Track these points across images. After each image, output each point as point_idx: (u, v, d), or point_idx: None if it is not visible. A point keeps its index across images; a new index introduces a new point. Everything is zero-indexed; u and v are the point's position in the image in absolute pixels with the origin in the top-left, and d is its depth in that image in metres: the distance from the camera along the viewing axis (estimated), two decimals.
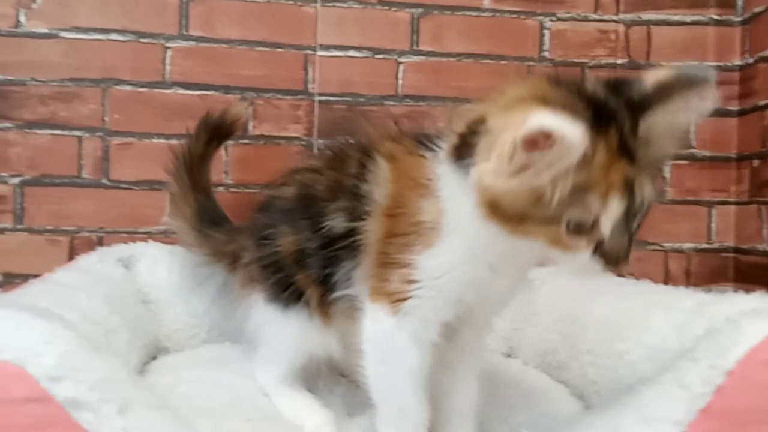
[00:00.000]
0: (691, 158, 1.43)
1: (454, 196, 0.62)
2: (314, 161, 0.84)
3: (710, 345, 0.59)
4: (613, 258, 0.57)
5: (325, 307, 0.77)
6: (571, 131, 0.50)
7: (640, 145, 0.55)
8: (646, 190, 0.56)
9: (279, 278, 0.79)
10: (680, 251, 1.44)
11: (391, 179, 0.67)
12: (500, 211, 0.56)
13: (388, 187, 0.67)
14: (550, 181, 0.52)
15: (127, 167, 1.27)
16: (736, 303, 0.71)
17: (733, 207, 1.44)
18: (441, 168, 0.63)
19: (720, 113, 1.44)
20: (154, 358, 1.01)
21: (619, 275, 1.12)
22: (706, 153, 1.44)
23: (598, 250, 0.57)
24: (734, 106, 1.43)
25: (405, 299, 0.64)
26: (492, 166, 0.53)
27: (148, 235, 1.25)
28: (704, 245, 1.44)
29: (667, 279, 1.42)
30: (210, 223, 1.02)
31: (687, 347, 0.64)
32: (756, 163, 1.37)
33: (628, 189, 0.54)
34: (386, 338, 0.66)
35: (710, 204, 1.44)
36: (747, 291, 0.76)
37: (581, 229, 0.55)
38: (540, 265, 0.69)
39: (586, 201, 0.54)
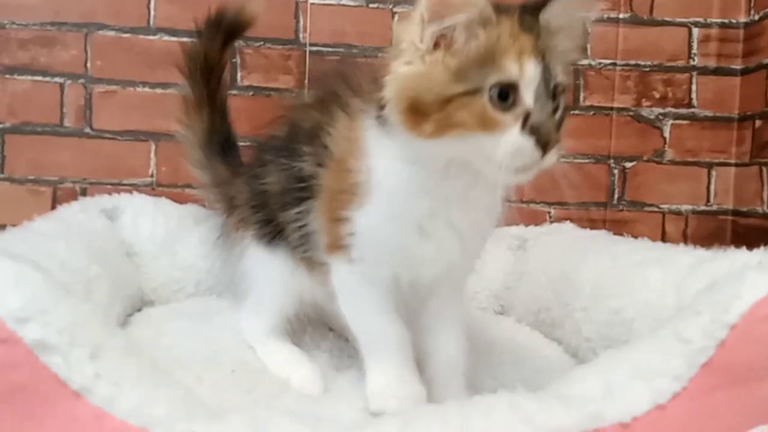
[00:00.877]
0: (692, 118, 1.40)
1: (378, 154, 0.63)
2: (305, 99, 0.83)
3: (712, 299, 0.57)
4: (543, 133, 0.56)
5: (306, 255, 0.75)
6: None
7: (542, 29, 0.57)
8: (558, 67, 0.58)
9: (266, 216, 0.78)
10: (678, 213, 1.41)
11: (343, 137, 0.67)
12: (422, 107, 0.56)
13: (340, 144, 0.67)
14: (462, 41, 0.55)
15: (111, 116, 1.23)
16: (737, 259, 0.69)
17: (733, 168, 1.41)
18: (369, 128, 0.64)
19: (722, 72, 1.40)
20: (139, 310, 0.99)
21: (616, 234, 1.10)
22: (708, 113, 1.40)
23: (527, 126, 0.56)
24: (737, 65, 1.40)
25: (351, 250, 0.67)
26: (407, 53, 0.57)
27: (133, 187, 1.21)
28: (702, 207, 1.41)
29: (664, 241, 1.40)
30: (219, 150, 0.97)
31: (686, 303, 0.62)
32: (758, 123, 1.33)
33: (539, 55, 0.56)
34: (346, 281, 0.70)
35: (710, 165, 1.41)
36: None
37: (505, 100, 0.56)
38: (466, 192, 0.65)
39: (502, 64, 0.55)
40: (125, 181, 1.22)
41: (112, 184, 1.22)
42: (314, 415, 0.64)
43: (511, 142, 0.56)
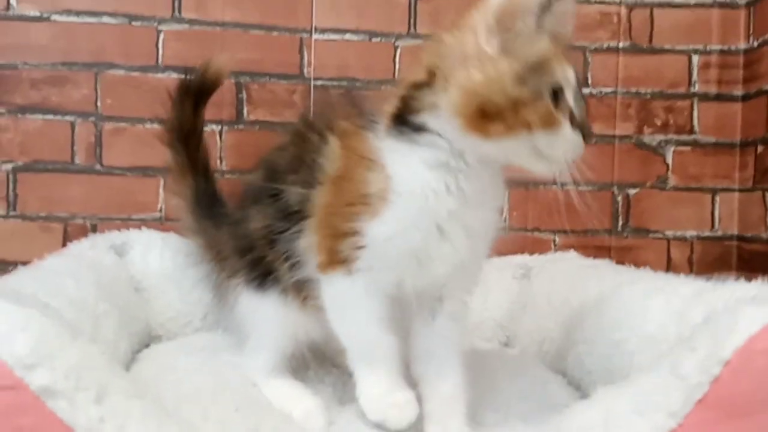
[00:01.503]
0: (694, 144, 1.41)
1: (398, 161, 0.67)
2: (280, 140, 0.84)
3: (707, 334, 0.57)
4: (585, 127, 0.65)
5: (298, 287, 0.77)
6: None
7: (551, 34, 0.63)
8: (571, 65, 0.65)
9: (253, 259, 0.79)
10: (683, 239, 1.41)
11: (339, 155, 0.70)
12: (492, 110, 0.61)
13: (336, 162, 0.70)
14: (522, 51, 0.61)
15: (121, 153, 1.25)
16: (735, 291, 0.69)
17: (736, 194, 1.41)
18: (383, 140, 0.68)
19: (724, 98, 1.41)
20: (147, 346, 1.00)
21: (619, 263, 1.11)
22: (710, 139, 1.41)
23: (574, 122, 0.64)
24: (738, 91, 1.41)
25: (355, 261, 0.69)
26: (473, 60, 0.61)
27: (142, 222, 1.23)
28: (707, 233, 1.41)
29: (670, 267, 1.40)
30: (207, 211, 0.97)
31: (684, 336, 0.63)
32: (760, 148, 1.34)
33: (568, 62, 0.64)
34: (342, 294, 0.72)
35: (713, 191, 1.41)
36: (749, 279, 0.74)
37: (558, 101, 0.62)
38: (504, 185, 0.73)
39: (553, 70, 0.62)
40: (134, 216, 1.25)
41: (121, 220, 1.24)
42: None
43: (567, 137, 0.63)
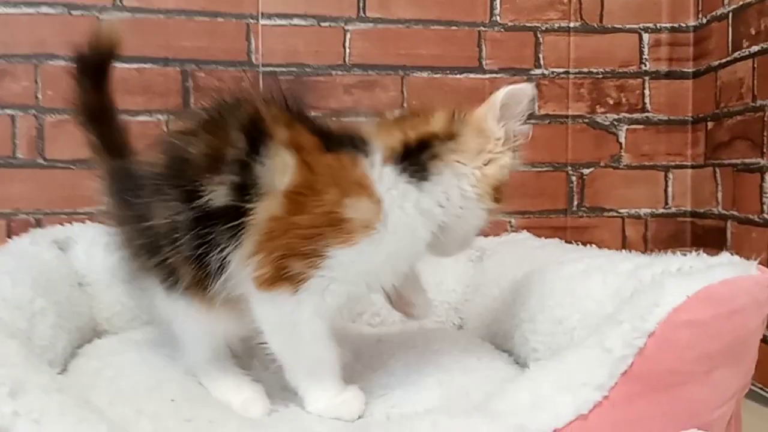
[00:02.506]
0: (647, 122, 1.42)
1: (396, 200, 0.68)
2: (185, 123, 0.75)
3: (633, 307, 0.58)
4: None
5: (201, 290, 0.70)
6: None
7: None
8: None
9: (161, 260, 0.71)
10: (637, 217, 1.42)
11: (297, 170, 0.67)
12: (502, 188, 0.73)
13: (292, 177, 0.66)
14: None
15: (64, 146, 1.23)
16: (669, 265, 0.69)
17: (689, 170, 1.43)
18: (380, 171, 0.68)
19: (675, 76, 1.42)
20: (90, 341, 0.98)
21: (567, 242, 1.11)
22: (662, 116, 1.42)
23: None
24: (689, 68, 1.42)
25: (305, 282, 0.66)
26: (494, 148, 0.71)
27: (88, 216, 1.20)
28: (661, 210, 1.43)
29: (625, 245, 1.42)
30: (127, 196, 0.84)
31: (613, 310, 0.62)
32: (711, 125, 1.35)
33: None
34: (285, 313, 0.68)
35: (666, 168, 1.43)
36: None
37: None
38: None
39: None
40: (80, 210, 1.22)
41: (66, 214, 1.21)
42: None
43: None
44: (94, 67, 0.87)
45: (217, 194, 0.66)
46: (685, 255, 0.73)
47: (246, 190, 0.66)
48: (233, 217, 0.66)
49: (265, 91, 0.72)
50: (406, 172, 0.69)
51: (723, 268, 0.59)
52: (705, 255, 0.68)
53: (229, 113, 0.70)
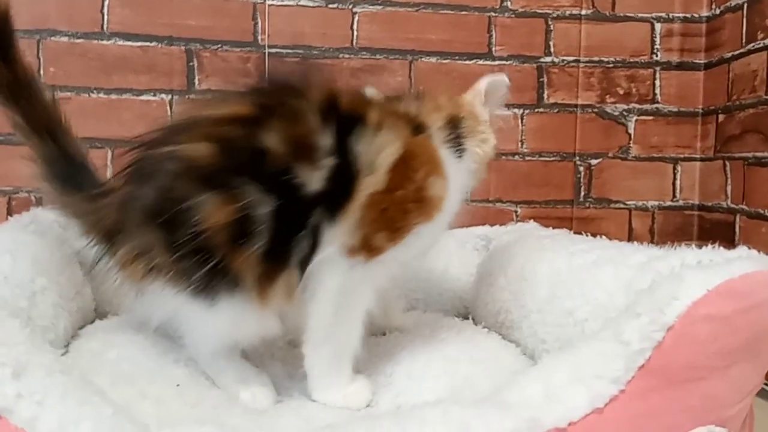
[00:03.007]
0: (656, 113, 1.40)
1: (453, 175, 0.75)
2: (223, 110, 0.69)
3: (651, 300, 0.56)
4: None
5: (266, 285, 0.68)
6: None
7: None
8: None
9: (207, 266, 0.66)
10: (644, 209, 1.41)
11: (396, 150, 0.70)
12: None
13: (394, 155, 0.70)
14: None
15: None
16: (684, 257, 0.68)
17: (698, 163, 1.41)
18: (440, 149, 0.75)
19: (686, 67, 1.40)
20: (92, 322, 0.97)
21: (580, 233, 1.09)
22: (672, 108, 1.40)
23: None
24: (700, 59, 1.40)
25: (381, 253, 0.71)
26: (486, 128, 0.81)
27: None
28: (669, 203, 1.41)
29: (631, 237, 1.40)
30: (66, 177, 0.80)
31: (631, 303, 0.61)
32: (721, 117, 1.33)
33: None
34: (354, 283, 0.72)
35: (675, 160, 1.41)
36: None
37: None
38: None
39: None
40: None
41: None
42: (258, 429, 0.63)
43: None
44: None
45: (314, 179, 0.66)
46: (699, 248, 0.72)
47: (343, 170, 0.68)
48: (329, 198, 0.67)
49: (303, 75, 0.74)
50: (451, 150, 0.76)
51: (742, 262, 0.57)
52: (722, 249, 0.66)
53: (292, 97, 0.69)
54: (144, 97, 1.23)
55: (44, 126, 0.80)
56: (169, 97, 1.23)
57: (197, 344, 0.75)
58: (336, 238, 0.69)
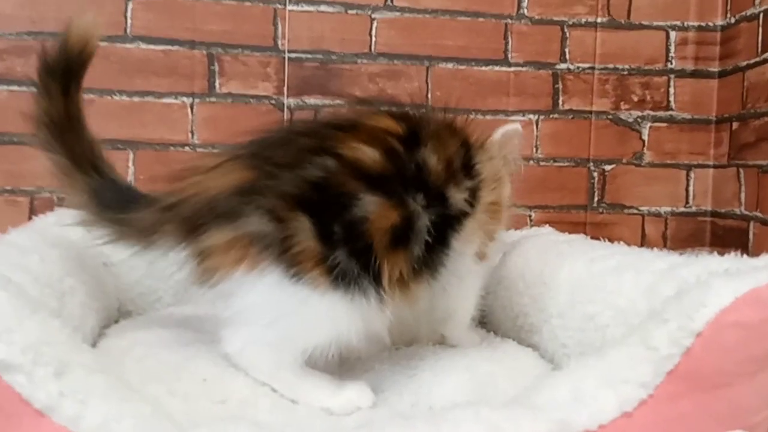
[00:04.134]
0: (670, 120, 1.41)
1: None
2: (392, 125, 0.73)
3: (679, 306, 0.57)
4: None
5: (409, 286, 0.73)
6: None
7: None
8: None
9: (362, 261, 0.68)
10: (657, 215, 1.42)
11: (490, 166, 0.81)
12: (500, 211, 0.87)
13: (489, 173, 0.81)
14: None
15: (89, 125, 1.21)
16: (708, 265, 0.69)
17: (711, 170, 1.42)
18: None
19: (700, 74, 1.41)
20: (117, 321, 0.98)
21: (593, 239, 1.10)
22: (686, 115, 1.41)
23: None
24: (715, 68, 1.41)
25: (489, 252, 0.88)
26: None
27: None
28: (682, 209, 1.42)
29: (644, 243, 1.41)
30: (117, 204, 0.77)
31: (656, 309, 0.62)
32: (735, 125, 1.34)
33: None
34: (479, 278, 0.90)
35: (688, 167, 1.42)
36: (722, 255, 0.74)
37: None
38: None
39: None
40: None
41: None
42: (285, 426, 0.64)
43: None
44: (65, 71, 0.76)
45: (458, 199, 0.76)
46: (717, 255, 0.73)
47: (475, 189, 0.78)
48: (464, 214, 0.77)
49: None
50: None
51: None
52: (745, 257, 0.67)
53: (436, 126, 0.77)
54: (165, 100, 1.24)
55: (87, 162, 0.78)
56: (191, 100, 1.25)
57: (291, 342, 0.71)
58: (460, 246, 0.78)
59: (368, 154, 0.70)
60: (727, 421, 0.55)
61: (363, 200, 0.68)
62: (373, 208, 0.68)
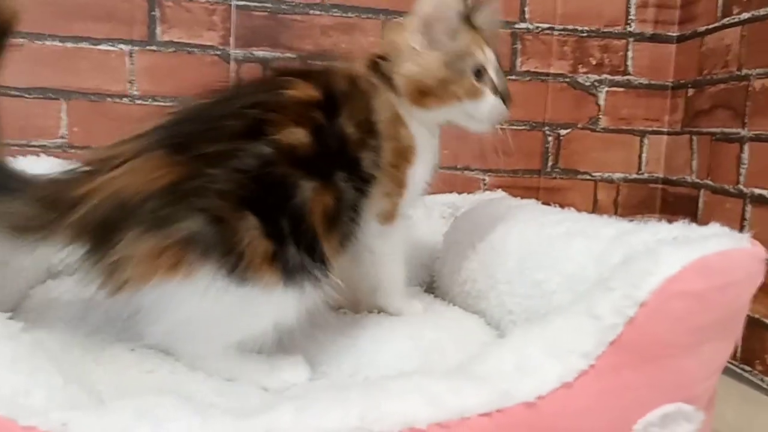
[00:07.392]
0: (627, 85, 1.39)
1: (412, 123, 0.80)
2: (312, 93, 0.69)
3: (625, 274, 0.55)
4: (506, 94, 0.81)
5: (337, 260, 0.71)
6: None
7: (478, 28, 0.81)
8: (494, 50, 0.82)
9: (309, 251, 0.66)
10: (610, 181, 1.41)
11: (386, 113, 0.77)
12: (426, 90, 0.78)
13: (387, 118, 0.77)
14: (446, 44, 0.77)
15: (18, 72, 1.14)
16: (657, 232, 0.68)
17: (665, 137, 1.41)
18: (400, 104, 0.79)
19: (659, 39, 1.39)
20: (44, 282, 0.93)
21: (546, 203, 1.09)
22: (643, 80, 1.40)
23: (496, 92, 0.79)
24: (674, 32, 1.39)
25: (399, 208, 0.80)
26: (408, 56, 0.78)
27: (43, 149, 1.13)
28: (634, 175, 1.42)
29: (595, 209, 1.41)
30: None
31: (604, 277, 0.60)
32: (691, 92, 1.33)
33: (488, 45, 0.81)
34: (392, 240, 0.82)
35: (643, 133, 1.41)
36: (671, 222, 0.73)
37: (480, 77, 0.78)
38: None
39: (474, 54, 0.79)
40: (34, 142, 1.14)
41: (19, 146, 1.14)
42: (214, 400, 0.61)
43: (490, 103, 0.79)
44: None
45: (369, 162, 0.74)
46: (665, 222, 0.71)
47: (378, 145, 0.75)
48: (372, 177, 0.75)
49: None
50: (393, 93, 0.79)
51: (718, 239, 0.57)
52: (694, 225, 0.66)
53: (336, 80, 0.73)
54: (102, 47, 1.17)
55: None
56: (129, 47, 1.17)
57: (229, 336, 0.67)
58: (370, 210, 0.77)
59: (299, 137, 0.66)
60: (670, 392, 0.54)
61: (302, 188, 0.66)
62: (310, 195, 0.66)
